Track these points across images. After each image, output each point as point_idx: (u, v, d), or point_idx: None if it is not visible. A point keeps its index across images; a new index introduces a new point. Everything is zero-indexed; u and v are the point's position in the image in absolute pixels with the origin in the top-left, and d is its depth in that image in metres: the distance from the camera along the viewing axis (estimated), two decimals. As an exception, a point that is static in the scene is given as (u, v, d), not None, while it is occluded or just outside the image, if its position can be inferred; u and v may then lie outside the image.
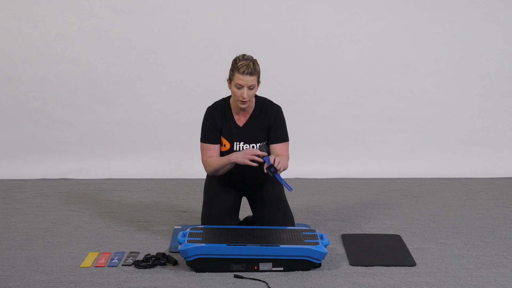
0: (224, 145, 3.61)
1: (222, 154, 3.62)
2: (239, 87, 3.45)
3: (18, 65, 5.45)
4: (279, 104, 3.68)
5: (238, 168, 3.56)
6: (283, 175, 3.90)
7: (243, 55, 3.50)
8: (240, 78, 3.42)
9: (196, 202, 4.61)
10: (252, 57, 3.50)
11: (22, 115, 5.54)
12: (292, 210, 3.87)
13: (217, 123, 3.61)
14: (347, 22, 5.48)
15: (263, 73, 5.54)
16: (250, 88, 3.45)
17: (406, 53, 5.53)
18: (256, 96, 3.66)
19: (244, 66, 3.42)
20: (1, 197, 4.79)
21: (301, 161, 5.50)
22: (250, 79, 3.43)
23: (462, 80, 5.59)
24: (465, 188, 5.09)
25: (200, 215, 4.04)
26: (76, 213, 4.36)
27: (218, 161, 3.53)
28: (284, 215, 3.65)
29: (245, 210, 4.19)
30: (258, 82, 3.52)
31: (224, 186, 3.71)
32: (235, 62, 3.47)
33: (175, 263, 3.36)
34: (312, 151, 5.61)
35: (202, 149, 3.63)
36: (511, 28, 5.52)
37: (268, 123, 3.61)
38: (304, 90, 5.57)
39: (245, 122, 3.62)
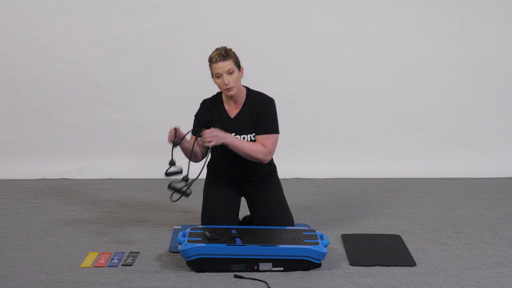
0: None
1: None
2: (218, 75, 3.50)
3: (18, 65, 5.46)
4: (273, 98, 3.69)
5: (233, 165, 3.60)
6: (280, 175, 3.89)
7: (216, 48, 3.55)
8: (216, 67, 3.48)
9: (196, 202, 4.60)
10: (225, 47, 3.55)
11: (22, 115, 5.54)
12: (292, 210, 3.86)
13: (206, 116, 3.67)
14: (347, 22, 5.48)
15: (264, 73, 5.56)
16: (229, 72, 3.49)
17: (406, 53, 5.53)
18: (248, 89, 3.67)
19: (216, 55, 3.48)
20: (1, 197, 4.79)
21: (301, 161, 5.51)
22: (225, 64, 3.47)
23: (462, 80, 5.58)
24: (465, 188, 5.09)
25: (200, 215, 4.04)
26: (76, 213, 4.36)
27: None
28: (283, 215, 3.65)
29: (245, 210, 4.18)
30: (239, 67, 3.55)
31: (223, 187, 3.71)
32: (209, 56, 3.53)
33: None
34: (312, 151, 5.61)
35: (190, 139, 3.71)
36: (511, 28, 5.52)
37: (257, 114, 3.62)
38: (304, 90, 5.56)
39: (236, 113, 3.64)
